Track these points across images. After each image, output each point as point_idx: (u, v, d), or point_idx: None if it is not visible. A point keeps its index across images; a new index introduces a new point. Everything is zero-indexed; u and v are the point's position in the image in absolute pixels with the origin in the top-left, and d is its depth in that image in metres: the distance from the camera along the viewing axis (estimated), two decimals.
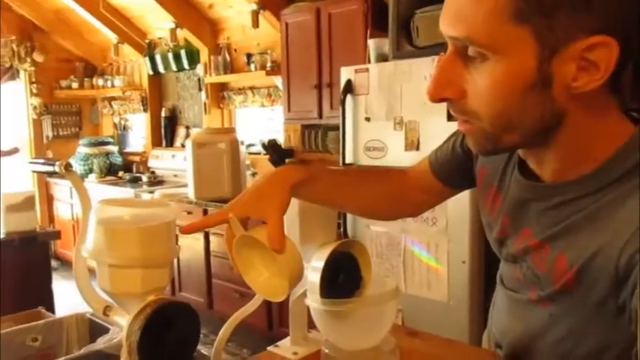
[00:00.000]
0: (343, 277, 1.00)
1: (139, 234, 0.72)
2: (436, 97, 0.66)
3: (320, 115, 3.28)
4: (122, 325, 0.77)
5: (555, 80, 0.60)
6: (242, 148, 3.78)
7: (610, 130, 0.66)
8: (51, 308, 2.38)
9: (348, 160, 2.64)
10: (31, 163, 0.84)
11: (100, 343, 0.89)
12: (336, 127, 2.99)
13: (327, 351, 1.04)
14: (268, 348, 1.08)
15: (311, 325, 1.09)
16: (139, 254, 0.72)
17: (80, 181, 0.79)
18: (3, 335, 0.97)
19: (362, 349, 0.99)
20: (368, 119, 2.55)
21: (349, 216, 2.65)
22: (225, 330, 1.07)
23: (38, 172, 0.83)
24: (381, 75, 2.49)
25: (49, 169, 0.79)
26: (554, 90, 0.61)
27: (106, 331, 0.98)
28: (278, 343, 1.09)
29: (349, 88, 2.59)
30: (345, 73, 2.63)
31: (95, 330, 1.04)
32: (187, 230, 0.78)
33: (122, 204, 0.76)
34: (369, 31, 2.82)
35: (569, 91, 0.61)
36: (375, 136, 2.53)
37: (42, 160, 0.82)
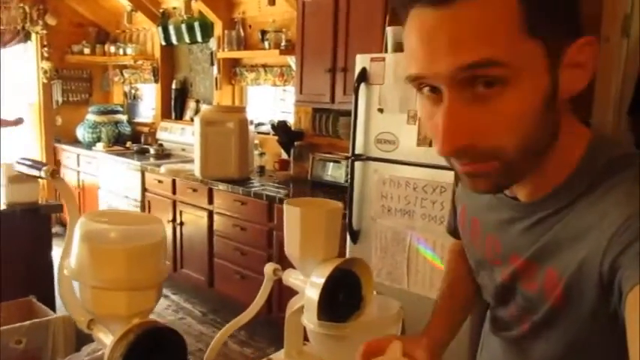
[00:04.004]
0: (343, 296, 0.96)
1: (126, 255, 0.67)
2: (453, 150, 0.59)
3: (332, 100, 3.20)
4: (105, 344, 0.73)
5: (560, 90, 0.60)
6: (251, 128, 3.71)
7: (573, 131, 0.66)
8: (50, 280, 2.34)
9: (358, 151, 2.57)
10: (18, 163, 0.78)
11: (84, 354, 0.85)
12: (347, 113, 2.90)
13: None
14: None
15: (306, 336, 1.05)
16: (124, 276, 0.67)
17: (68, 189, 0.74)
18: None
19: None
20: (381, 110, 2.48)
21: (355, 208, 2.60)
22: (219, 337, 1.03)
23: (22, 173, 0.77)
24: (398, 65, 2.40)
25: (35, 172, 0.74)
26: (557, 101, 0.61)
27: (92, 337, 0.94)
28: (272, 356, 1.06)
29: (364, 76, 2.51)
30: (361, 61, 2.54)
31: (82, 334, 1.00)
32: None
33: (108, 218, 0.71)
34: (387, 18, 2.72)
35: (563, 98, 0.61)
36: (387, 129, 2.46)
37: (29, 162, 0.77)
